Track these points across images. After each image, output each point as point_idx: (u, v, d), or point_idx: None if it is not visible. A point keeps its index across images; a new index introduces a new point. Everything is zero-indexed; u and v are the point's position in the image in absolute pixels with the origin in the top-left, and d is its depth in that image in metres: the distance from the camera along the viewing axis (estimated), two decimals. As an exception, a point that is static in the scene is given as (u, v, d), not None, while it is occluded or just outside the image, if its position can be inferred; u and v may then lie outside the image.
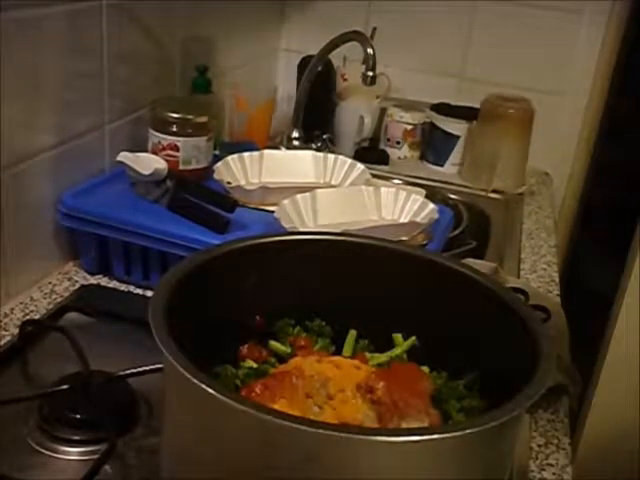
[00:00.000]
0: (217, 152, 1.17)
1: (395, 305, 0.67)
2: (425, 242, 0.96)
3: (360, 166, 1.12)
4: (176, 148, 1.05)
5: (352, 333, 0.69)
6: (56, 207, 0.93)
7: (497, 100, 1.47)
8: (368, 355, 0.66)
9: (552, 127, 1.55)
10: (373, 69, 1.23)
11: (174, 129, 1.04)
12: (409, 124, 1.56)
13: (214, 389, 0.46)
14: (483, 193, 1.47)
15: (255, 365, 0.63)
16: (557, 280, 1.15)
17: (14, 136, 0.84)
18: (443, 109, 1.54)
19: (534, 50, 1.55)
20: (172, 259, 0.90)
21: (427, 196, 1.05)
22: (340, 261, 0.68)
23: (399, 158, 1.58)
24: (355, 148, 1.53)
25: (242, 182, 1.08)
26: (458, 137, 1.52)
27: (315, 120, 1.45)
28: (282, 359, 0.65)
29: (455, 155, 1.54)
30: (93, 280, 0.98)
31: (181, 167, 1.05)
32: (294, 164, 1.13)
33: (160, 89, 1.16)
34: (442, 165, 1.55)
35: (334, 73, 1.53)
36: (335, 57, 1.44)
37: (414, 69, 1.62)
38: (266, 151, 1.14)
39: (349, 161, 1.13)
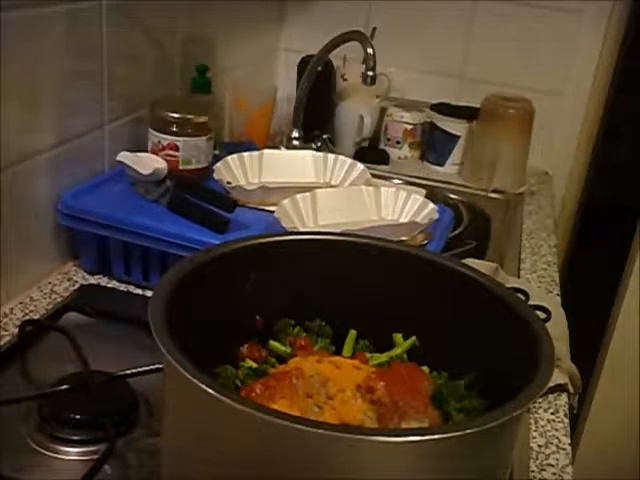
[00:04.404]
0: (217, 152, 1.17)
1: (395, 305, 0.67)
2: (425, 242, 0.96)
3: (360, 166, 1.12)
4: (176, 148, 1.05)
5: (352, 333, 0.69)
6: (56, 207, 0.93)
7: (497, 100, 1.47)
8: (368, 355, 0.66)
9: (552, 127, 1.55)
10: (373, 69, 1.23)
11: (174, 129, 1.04)
12: (409, 124, 1.56)
13: (214, 389, 0.46)
14: (483, 193, 1.47)
15: (255, 365, 0.63)
16: (557, 280, 1.15)
17: (14, 136, 0.84)
18: (443, 109, 1.54)
19: (534, 50, 1.55)
20: (172, 259, 0.90)
21: (427, 196, 1.05)
22: (340, 261, 0.68)
23: (399, 158, 1.58)
24: (355, 148, 1.54)
25: (242, 182, 1.08)
26: (458, 137, 1.52)
27: (315, 120, 1.45)
28: (282, 359, 0.65)
29: (455, 155, 1.54)
30: (93, 280, 0.98)
31: (181, 167, 1.05)
32: (294, 164, 1.13)
33: (160, 89, 1.16)
34: (442, 165, 1.55)
35: (334, 73, 1.53)
36: (335, 57, 1.44)
37: (414, 69, 1.62)
38: (266, 151, 1.14)
39: (349, 161, 1.13)
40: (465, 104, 1.54)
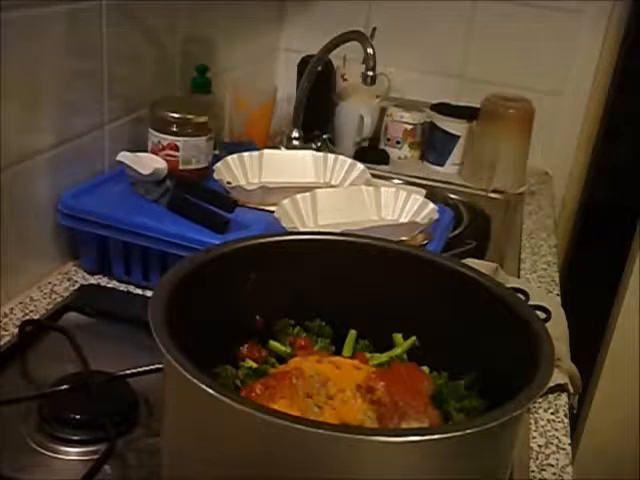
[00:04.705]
0: (217, 152, 1.17)
1: (395, 305, 0.67)
2: (425, 242, 0.96)
3: (360, 166, 1.12)
4: (176, 148, 1.05)
5: (352, 333, 0.69)
6: (56, 207, 0.93)
7: (497, 100, 1.47)
8: (368, 355, 0.66)
9: (552, 127, 1.55)
10: (373, 69, 1.23)
11: (174, 129, 1.04)
12: (409, 124, 1.56)
13: (214, 389, 0.46)
14: (483, 193, 1.47)
15: (255, 365, 0.63)
16: (557, 280, 1.15)
17: (14, 136, 0.84)
18: (443, 109, 1.54)
19: (534, 50, 1.55)
20: (172, 259, 0.90)
21: (427, 196, 1.05)
22: (340, 261, 0.68)
23: (399, 158, 1.58)
24: (355, 148, 1.53)
25: (242, 182, 1.08)
26: (458, 137, 1.52)
27: (315, 120, 1.45)
28: (282, 359, 0.65)
29: (455, 155, 1.54)
30: (93, 280, 0.98)
31: (181, 167, 1.05)
32: (294, 164, 1.13)
33: (160, 89, 1.16)
34: (442, 165, 1.55)
35: (334, 73, 1.53)
36: (335, 57, 1.44)
37: (414, 69, 1.62)
38: (266, 151, 1.14)
39: (349, 161, 1.13)
40: (465, 104, 1.54)
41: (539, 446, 0.78)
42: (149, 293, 0.95)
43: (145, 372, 0.75)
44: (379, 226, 0.95)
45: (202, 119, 1.07)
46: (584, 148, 1.61)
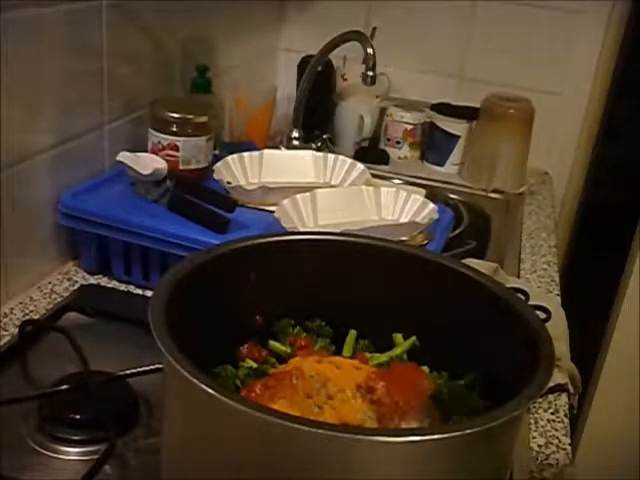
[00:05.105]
0: (217, 152, 1.17)
1: (395, 305, 0.67)
2: (425, 242, 0.96)
3: (360, 166, 1.12)
4: (176, 148, 1.05)
5: (352, 333, 0.69)
6: (56, 207, 0.93)
7: (497, 100, 1.47)
8: (368, 355, 0.66)
9: (552, 127, 1.55)
10: (373, 69, 1.23)
11: (174, 129, 1.04)
12: (409, 124, 1.56)
13: (214, 389, 0.46)
14: (483, 193, 1.47)
15: (255, 365, 0.63)
16: (557, 280, 1.15)
17: (14, 136, 0.84)
18: (443, 109, 1.54)
19: (534, 50, 1.55)
20: (172, 259, 0.90)
21: (427, 196, 1.05)
22: (340, 261, 0.68)
23: (399, 158, 1.58)
24: (355, 148, 1.54)
25: (242, 182, 1.08)
26: (458, 137, 1.52)
27: (315, 120, 1.45)
28: (282, 359, 0.65)
29: (455, 155, 1.54)
30: (93, 280, 0.98)
31: (181, 167, 1.05)
32: (294, 164, 1.13)
33: (160, 89, 1.16)
34: (442, 165, 1.55)
35: (334, 73, 1.53)
36: (335, 57, 1.44)
37: (414, 69, 1.62)
38: (266, 151, 1.14)
39: (349, 161, 1.13)
40: (465, 104, 1.54)
41: (539, 446, 0.78)
42: (149, 293, 0.95)
43: (145, 372, 0.75)
44: (379, 226, 0.95)
45: (202, 119, 1.07)
46: (584, 148, 1.61)
